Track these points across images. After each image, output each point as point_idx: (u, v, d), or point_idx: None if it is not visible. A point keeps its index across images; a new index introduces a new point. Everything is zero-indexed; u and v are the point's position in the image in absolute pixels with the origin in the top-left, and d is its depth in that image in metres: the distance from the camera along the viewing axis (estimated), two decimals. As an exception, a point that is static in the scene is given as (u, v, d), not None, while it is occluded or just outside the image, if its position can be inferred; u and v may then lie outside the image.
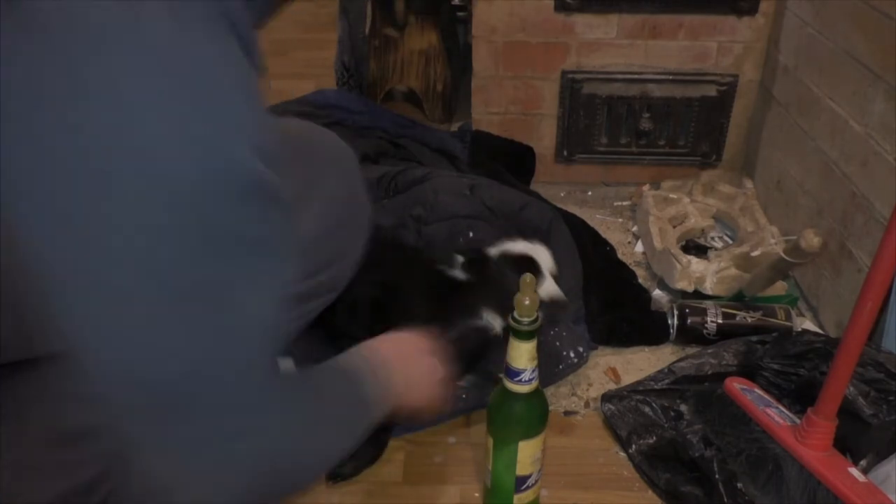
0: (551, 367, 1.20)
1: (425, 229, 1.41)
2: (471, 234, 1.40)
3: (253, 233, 0.53)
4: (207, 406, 0.56)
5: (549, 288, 1.12)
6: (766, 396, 1.06)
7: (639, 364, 1.27)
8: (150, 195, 0.48)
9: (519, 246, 1.15)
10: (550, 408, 0.97)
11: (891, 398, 1.02)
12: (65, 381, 0.64)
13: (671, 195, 1.58)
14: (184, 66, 0.49)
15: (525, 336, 0.86)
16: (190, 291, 0.52)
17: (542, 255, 1.14)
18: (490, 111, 1.70)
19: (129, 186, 0.48)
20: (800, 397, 1.08)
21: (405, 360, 0.82)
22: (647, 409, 1.13)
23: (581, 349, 1.24)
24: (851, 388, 1.01)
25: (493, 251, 1.14)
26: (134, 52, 0.48)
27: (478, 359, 1.14)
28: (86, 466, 0.67)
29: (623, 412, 1.13)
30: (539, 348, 0.88)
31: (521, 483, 0.95)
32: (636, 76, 1.62)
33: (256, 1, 0.56)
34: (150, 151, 0.48)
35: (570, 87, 1.63)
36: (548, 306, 1.08)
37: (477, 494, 1.04)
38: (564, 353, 1.23)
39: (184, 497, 0.59)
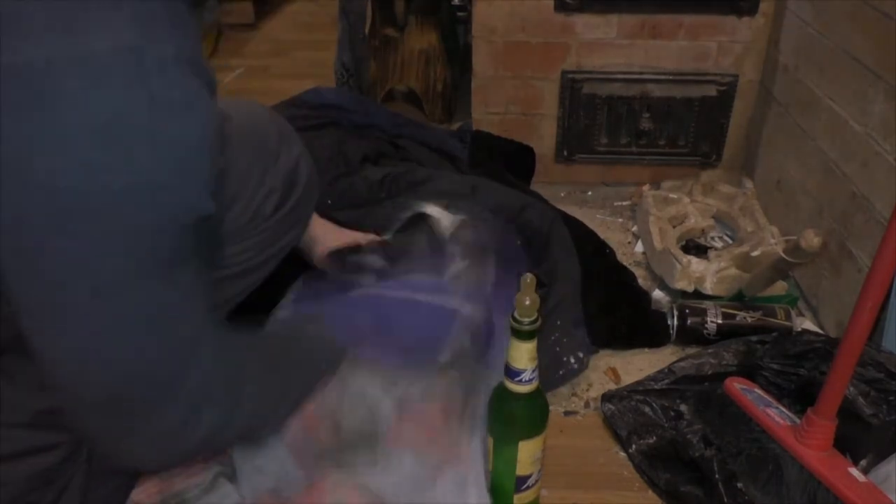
0: (552, 373, 1.20)
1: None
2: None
3: (192, 251, 0.61)
4: (155, 399, 0.64)
5: (444, 220, 1.16)
6: (766, 396, 1.06)
7: (639, 364, 1.27)
8: (110, 232, 0.54)
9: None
10: (550, 408, 0.97)
11: (891, 398, 1.02)
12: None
13: (671, 195, 1.58)
14: (147, 119, 0.53)
15: (525, 336, 0.86)
16: (135, 306, 0.59)
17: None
18: (490, 111, 1.70)
19: (92, 226, 0.54)
20: (800, 397, 1.08)
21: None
22: (647, 409, 1.13)
23: (581, 354, 1.24)
24: (851, 388, 1.01)
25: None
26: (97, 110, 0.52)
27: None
28: (54, 451, 0.75)
29: (623, 412, 1.13)
30: (539, 349, 0.88)
31: (521, 483, 0.95)
32: (636, 76, 1.62)
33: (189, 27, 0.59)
34: (115, 200, 0.53)
35: (570, 87, 1.63)
36: (456, 233, 1.13)
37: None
38: (565, 358, 1.22)
39: (136, 463, 0.73)
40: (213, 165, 0.59)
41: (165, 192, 0.55)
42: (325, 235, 1.15)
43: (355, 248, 1.14)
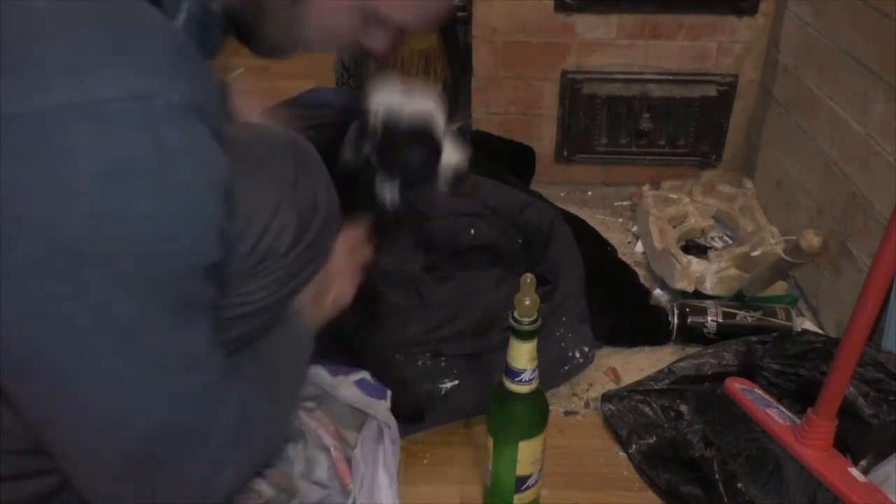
0: (557, 368, 1.20)
1: (426, 225, 1.41)
2: (472, 232, 1.40)
3: (203, 301, 0.60)
4: (182, 455, 0.62)
5: (450, 155, 1.01)
6: (766, 396, 1.06)
7: (639, 364, 1.27)
8: (118, 281, 0.53)
9: (411, 104, 0.99)
10: (550, 408, 0.97)
11: (891, 398, 1.02)
12: None
13: (671, 195, 1.58)
14: (164, 175, 0.53)
15: (525, 336, 0.86)
16: (152, 358, 0.58)
17: (438, 117, 1.00)
18: (490, 111, 1.70)
19: (100, 275, 0.53)
20: (800, 397, 1.08)
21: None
22: (647, 409, 1.13)
23: (587, 349, 1.24)
24: (851, 388, 1.01)
25: (380, 109, 0.99)
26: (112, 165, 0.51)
27: (383, 236, 1.07)
28: (53, 474, 0.71)
29: (623, 412, 1.13)
30: (540, 348, 0.88)
31: (521, 483, 0.95)
32: (636, 76, 1.62)
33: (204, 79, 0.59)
34: (121, 248, 0.53)
35: (570, 87, 1.63)
36: (451, 179, 1.01)
37: (477, 494, 1.04)
38: (570, 353, 1.23)
39: None
40: (221, 212, 0.58)
41: (171, 240, 0.54)
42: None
43: None
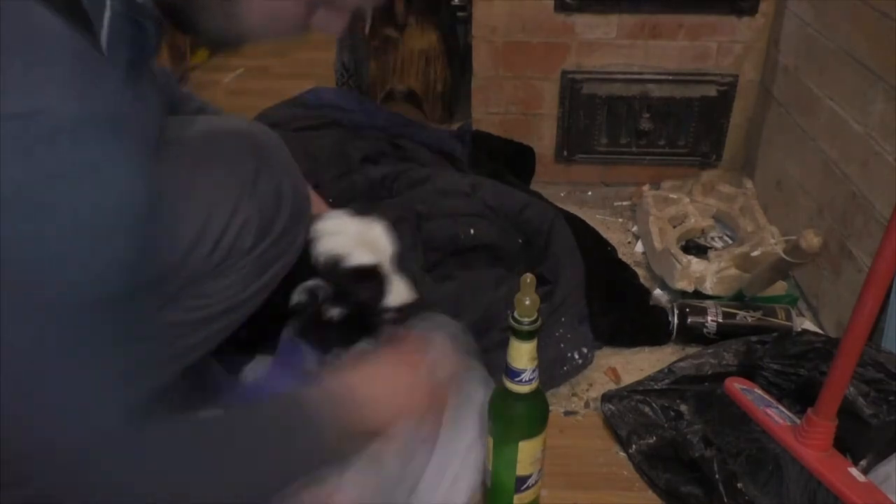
0: (556, 369, 1.20)
1: (426, 225, 1.41)
2: (472, 231, 1.40)
3: (107, 335, 0.58)
4: (63, 484, 0.59)
5: (398, 292, 0.99)
6: (766, 396, 1.06)
7: (639, 364, 1.27)
8: (18, 306, 0.52)
9: (356, 256, 0.97)
10: (550, 408, 0.96)
11: (891, 398, 1.02)
12: None
13: (671, 195, 1.58)
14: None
15: (525, 336, 0.86)
16: (42, 385, 0.56)
17: (385, 261, 0.99)
18: (490, 111, 1.70)
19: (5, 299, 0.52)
20: (800, 397, 1.08)
21: (384, 385, 0.82)
22: (647, 409, 1.13)
23: (585, 350, 1.24)
24: (851, 388, 1.01)
25: (320, 259, 0.96)
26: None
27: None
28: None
29: (623, 412, 1.13)
30: (540, 348, 0.88)
31: (521, 483, 0.95)
32: (636, 76, 1.62)
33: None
34: (21, 273, 0.52)
35: (570, 87, 1.63)
36: (403, 309, 1.00)
37: (477, 495, 1.04)
38: (569, 354, 1.23)
39: None
40: (125, 237, 0.56)
41: (66, 267, 0.53)
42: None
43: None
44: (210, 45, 0.68)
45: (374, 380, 0.82)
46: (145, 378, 0.63)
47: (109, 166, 0.54)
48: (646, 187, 1.66)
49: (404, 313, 1.00)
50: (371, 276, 0.98)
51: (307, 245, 0.96)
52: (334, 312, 0.98)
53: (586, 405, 1.19)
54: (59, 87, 0.52)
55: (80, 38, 0.55)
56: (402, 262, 1.02)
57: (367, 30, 1.98)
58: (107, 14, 0.57)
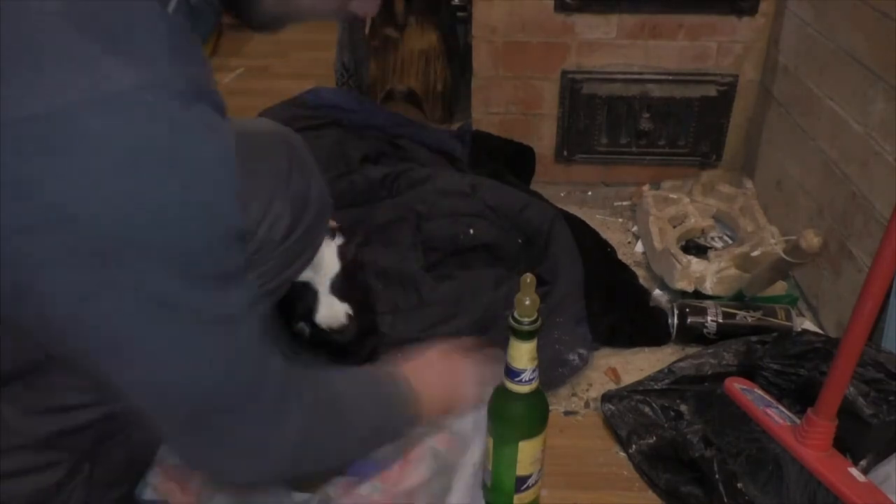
0: (553, 370, 1.20)
1: (426, 225, 1.42)
2: (471, 231, 1.40)
3: (236, 266, 0.62)
4: (235, 409, 0.66)
5: (327, 313, 1.06)
6: (766, 396, 1.06)
7: (639, 364, 1.27)
8: (154, 258, 0.56)
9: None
10: (550, 408, 0.97)
11: (891, 398, 1.02)
12: (44, 393, 0.72)
13: (671, 195, 1.58)
14: (180, 154, 0.55)
15: (525, 336, 0.86)
16: (194, 324, 0.61)
17: (324, 272, 1.05)
18: (490, 111, 1.70)
19: (136, 255, 0.55)
20: (800, 397, 1.08)
21: (437, 373, 0.93)
22: (647, 409, 1.13)
23: (583, 351, 1.24)
24: (851, 388, 1.01)
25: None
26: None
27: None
28: (57, 468, 0.76)
29: (623, 412, 1.13)
30: (540, 348, 0.88)
31: (521, 483, 0.95)
32: (636, 76, 1.62)
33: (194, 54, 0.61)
34: (152, 226, 0.55)
35: (570, 87, 1.63)
36: (342, 332, 1.07)
37: (477, 494, 1.04)
38: (567, 355, 1.23)
39: (227, 478, 0.77)
40: (236, 180, 0.60)
41: (198, 213, 0.57)
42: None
43: None
44: (256, 25, 0.72)
45: (428, 369, 0.93)
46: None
47: (217, 121, 0.59)
48: (646, 187, 1.66)
49: (345, 335, 1.08)
50: (304, 293, 1.05)
51: None
52: (301, 327, 1.07)
53: (586, 405, 1.19)
54: (169, 60, 0.56)
55: (167, 14, 0.59)
56: (347, 285, 1.07)
57: (367, 30, 1.98)
58: (173, 3, 0.61)
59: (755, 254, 1.34)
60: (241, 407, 0.67)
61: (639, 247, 1.56)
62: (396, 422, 0.87)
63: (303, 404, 0.72)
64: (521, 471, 0.94)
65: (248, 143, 0.87)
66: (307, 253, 0.95)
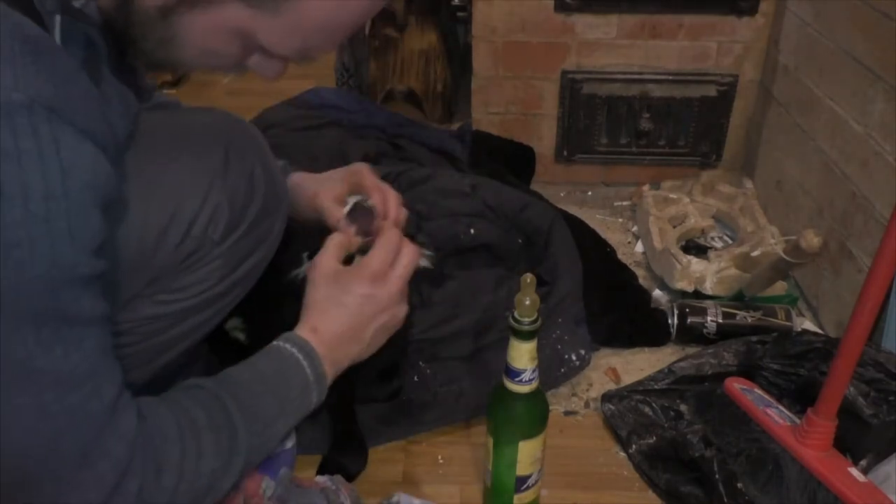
0: (553, 371, 1.20)
1: (426, 225, 1.41)
2: (472, 231, 1.40)
3: (73, 312, 0.57)
4: (67, 476, 0.59)
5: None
6: (766, 396, 1.06)
7: (639, 364, 1.27)
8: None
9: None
10: (550, 408, 0.97)
11: (891, 398, 1.02)
12: None
13: (671, 195, 1.58)
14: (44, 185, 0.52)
15: (525, 336, 0.86)
16: (16, 374, 0.55)
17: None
18: (490, 111, 1.70)
19: None
20: (800, 397, 1.08)
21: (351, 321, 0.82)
22: (647, 409, 1.13)
23: (583, 352, 1.24)
24: (851, 388, 1.01)
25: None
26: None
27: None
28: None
29: (623, 412, 1.13)
30: (540, 349, 0.88)
31: (521, 483, 0.95)
32: (636, 76, 1.62)
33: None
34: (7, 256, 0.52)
35: (570, 87, 1.63)
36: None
37: (477, 494, 1.04)
38: (566, 356, 1.23)
39: None
40: (90, 219, 0.56)
41: (16, 248, 0.52)
42: (306, 181, 0.98)
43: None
44: (147, 66, 0.69)
45: (335, 309, 0.82)
46: (125, 368, 0.64)
47: (69, 148, 0.54)
48: (646, 187, 1.66)
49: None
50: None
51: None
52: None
53: (586, 405, 1.19)
54: (10, 70, 0.52)
55: (32, 25, 0.55)
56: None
57: (367, 30, 1.98)
58: (58, 17, 0.58)
59: (755, 254, 1.34)
60: (63, 477, 0.59)
61: (639, 247, 1.56)
62: (296, 404, 0.78)
63: (154, 462, 0.64)
64: (521, 471, 0.94)
65: (177, 138, 0.82)
66: (261, 250, 0.87)
